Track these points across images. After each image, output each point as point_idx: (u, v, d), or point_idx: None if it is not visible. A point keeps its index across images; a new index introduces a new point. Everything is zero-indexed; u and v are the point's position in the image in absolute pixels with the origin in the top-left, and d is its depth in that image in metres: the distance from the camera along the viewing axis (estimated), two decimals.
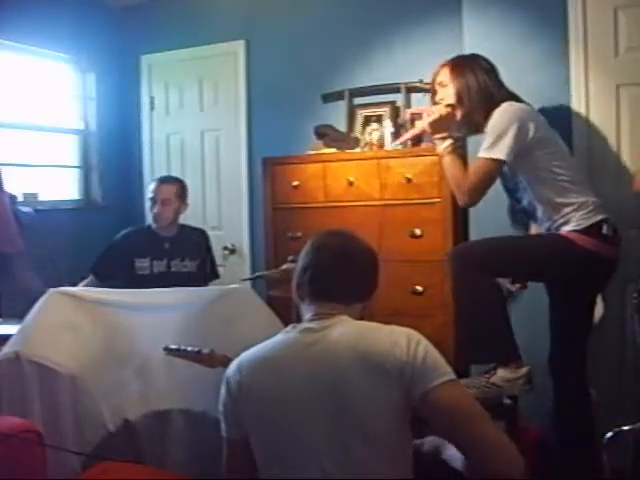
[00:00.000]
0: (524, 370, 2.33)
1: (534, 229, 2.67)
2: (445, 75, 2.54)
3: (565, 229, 2.40)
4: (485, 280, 2.35)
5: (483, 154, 2.38)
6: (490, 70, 2.54)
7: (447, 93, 2.53)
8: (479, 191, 2.40)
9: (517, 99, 2.50)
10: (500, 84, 2.54)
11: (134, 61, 4.63)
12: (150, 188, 3.45)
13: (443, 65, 2.57)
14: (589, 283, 2.48)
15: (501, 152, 2.34)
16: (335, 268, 1.63)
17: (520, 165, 2.42)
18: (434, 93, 2.60)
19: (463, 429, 1.42)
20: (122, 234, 3.47)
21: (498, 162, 2.36)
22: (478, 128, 2.55)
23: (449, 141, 2.49)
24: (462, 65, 2.54)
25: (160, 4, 4.47)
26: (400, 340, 1.48)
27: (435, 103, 2.58)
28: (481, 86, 2.49)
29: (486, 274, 2.35)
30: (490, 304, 2.37)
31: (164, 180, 3.49)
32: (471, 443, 1.42)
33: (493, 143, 2.36)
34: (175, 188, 3.43)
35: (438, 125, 2.51)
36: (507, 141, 2.34)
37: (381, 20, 3.77)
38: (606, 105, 2.84)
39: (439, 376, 1.44)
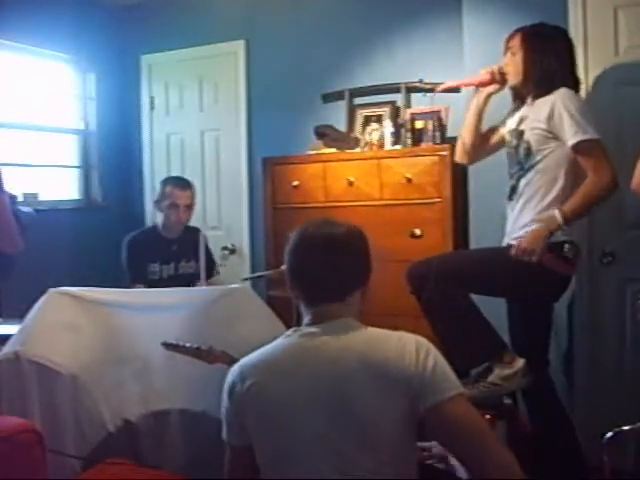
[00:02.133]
0: (519, 364, 2.34)
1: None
2: (516, 42, 2.51)
3: None
4: (446, 289, 2.34)
5: (584, 137, 2.32)
6: (563, 53, 2.48)
7: (514, 60, 2.51)
8: (614, 170, 2.35)
9: (577, 89, 2.49)
10: (568, 69, 2.48)
11: (134, 61, 4.64)
12: (167, 193, 3.39)
13: (518, 30, 2.53)
14: (540, 296, 2.52)
15: (595, 132, 2.33)
16: (324, 263, 1.56)
17: (548, 149, 2.42)
18: (504, 54, 2.58)
19: (469, 445, 1.41)
20: (129, 239, 3.42)
21: (600, 142, 2.35)
22: (522, 102, 2.55)
23: (553, 221, 2.36)
24: (536, 40, 2.48)
25: (160, 4, 4.47)
26: (409, 349, 1.45)
27: (500, 67, 2.57)
28: (545, 69, 2.44)
29: (445, 287, 2.34)
30: (460, 310, 2.38)
31: (184, 186, 3.42)
32: (475, 459, 1.41)
33: (585, 124, 2.33)
34: (192, 192, 3.44)
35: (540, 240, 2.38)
36: (591, 119, 2.34)
37: (381, 20, 3.77)
38: (607, 105, 2.84)
39: (448, 390, 1.42)
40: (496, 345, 2.40)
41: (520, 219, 2.47)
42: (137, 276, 3.33)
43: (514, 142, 2.53)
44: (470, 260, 2.56)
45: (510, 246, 2.49)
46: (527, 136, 2.47)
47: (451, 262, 2.53)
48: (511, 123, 2.60)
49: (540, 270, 2.37)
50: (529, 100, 2.52)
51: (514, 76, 2.52)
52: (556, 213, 2.35)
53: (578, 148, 2.35)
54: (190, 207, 3.42)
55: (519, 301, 2.59)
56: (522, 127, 2.50)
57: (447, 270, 2.41)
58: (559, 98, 2.38)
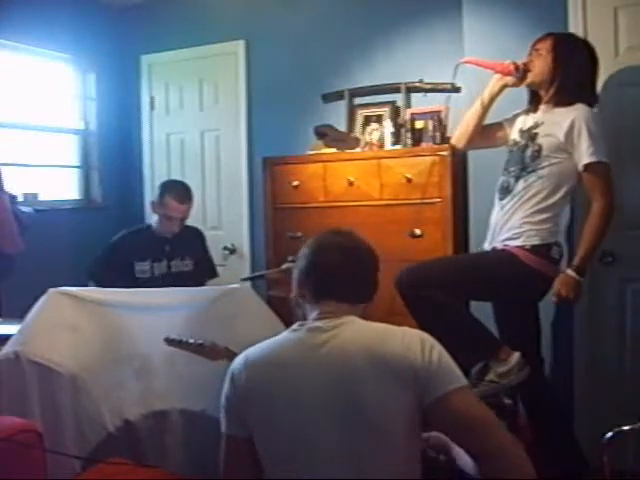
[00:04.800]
0: (515, 357, 2.35)
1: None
2: (545, 44, 2.51)
3: (513, 244, 2.44)
4: (432, 293, 2.35)
5: (599, 158, 2.37)
6: (589, 66, 2.50)
7: (538, 60, 2.51)
8: (613, 194, 2.42)
9: (594, 102, 2.52)
10: (591, 84, 2.52)
11: (134, 61, 4.63)
12: (165, 202, 3.32)
13: (548, 35, 2.54)
14: (526, 296, 2.55)
15: (605, 154, 2.38)
16: (343, 267, 1.61)
17: (557, 159, 2.44)
18: (529, 55, 2.58)
19: (476, 437, 1.41)
20: (119, 237, 3.43)
21: (608, 163, 2.40)
22: (537, 105, 2.56)
23: (574, 274, 2.41)
24: (568, 46, 2.50)
25: (160, 4, 4.47)
26: (413, 344, 1.47)
27: (524, 63, 2.57)
28: (573, 76, 2.46)
29: (430, 289, 2.35)
30: (450, 313, 2.39)
31: (184, 200, 3.34)
32: (484, 451, 1.41)
33: (602, 146, 2.38)
34: (191, 203, 3.38)
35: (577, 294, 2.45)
36: (606, 142, 2.39)
37: (381, 20, 3.77)
38: (607, 106, 2.84)
39: (453, 382, 1.43)
40: (490, 343, 2.41)
41: (510, 221, 2.48)
42: (95, 276, 3.33)
43: (522, 142, 2.53)
44: (456, 266, 2.56)
45: (495, 249, 2.50)
46: (540, 140, 2.47)
47: (437, 269, 2.53)
48: (522, 124, 2.60)
49: (526, 272, 2.40)
50: (547, 106, 2.52)
51: (537, 75, 2.52)
52: (569, 272, 2.40)
53: (591, 168, 2.38)
54: (185, 218, 3.39)
55: (506, 302, 2.59)
56: (536, 130, 2.50)
57: (434, 277, 2.42)
58: (581, 115, 2.40)
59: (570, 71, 2.46)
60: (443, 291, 2.35)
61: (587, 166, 2.39)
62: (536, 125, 2.51)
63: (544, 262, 2.41)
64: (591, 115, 2.42)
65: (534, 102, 2.61)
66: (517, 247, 2.43)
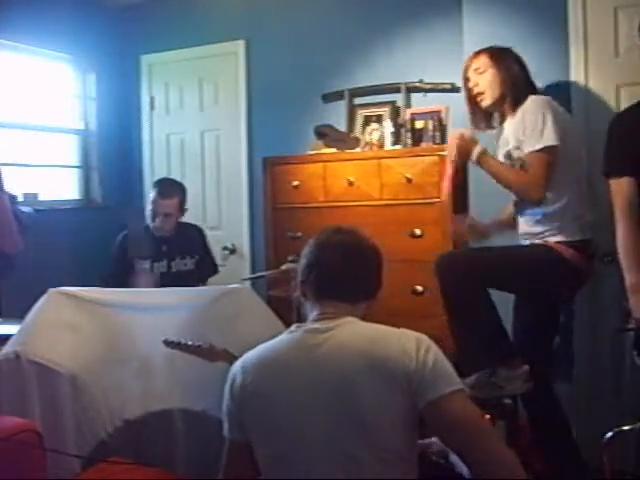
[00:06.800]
0: (523, 369, 2.36)
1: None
2: (482, 62, 2.57)
3: (553, 239, 2.44)
4: (471, 286, 2.36)
5: (534, 147, 2.38)
6: (523, 64, 2.59)
7: (484, 79, 2.56)
8: (547, 183, 2.40)
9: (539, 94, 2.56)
10: (530, 78, 2.60)
11: (134, 61, 4.64)
12: (151, 198, 3.43)
13: (479, 52, 2.60)
14: (565, 293, 2.56)
15: (549, 138, 2.37)
16: (344, 266, 1.61)
17: None
18: (467, 80, 2.62)
19: (467, 442, 1.41)
20: (122, 235, 3.47)
21: (552, 148, 2.38)
22: (502, 119, 2.61)
23: (478, 146, 2.49)
24: (503, 54, 2.57)
25: (160, 4, 4.47)
26: (409, 346, 1.46)
27: (468, 89, 2.61)
28: (521, 76, 2.54)
29: (470, 281, 2.36)
30: (480, 309, 2.39)
31: (166, 195, 3.41)
32: (474, 456, 1.40)
33: (538, 133, 2.38)
34: (177, 201, 3.41)
35: (464, 150, 2.51)
36: (549, 126, 2.37)
37: (381, 20, 3.77)
38: (606, 105, 2.84)
39: (447, 386, 1.42)
40: (508, 349, 2.42)
41: (543, 223, 2.47)
42: (119, 269, 3.39)
43: (509, 162, 2.56)
44: (501, 257, 2.55)
45: (533, 244, 2.51)
46: (515, 154, 2.50)
47: (476, 255, 2.55)
48: (501, 149, 2.63)
49: (564, 266, 2.41)
50: (511, 118, 2.55)
51: (491, 92, 2.55)
52: (477, 149, 2.47)
53: (533, 156, 2.41)
54: (173, 215, 3.42)
55: (546, 299, 2.58)
56: (507, 149, 2.54)
57: (478, 264, 2.43)
58: (525, 107, 2.45)
59: (515, 76, 2.53)
60: (485, 280, 2.37)
61: (531, 153, 2.41)
62: (505, 144, 2.56)
63: (582, 257, 2.43)
64: (531, 106, 2.45)
65: (484, 124, 2.68)
66: (557, 242, 2.43)
